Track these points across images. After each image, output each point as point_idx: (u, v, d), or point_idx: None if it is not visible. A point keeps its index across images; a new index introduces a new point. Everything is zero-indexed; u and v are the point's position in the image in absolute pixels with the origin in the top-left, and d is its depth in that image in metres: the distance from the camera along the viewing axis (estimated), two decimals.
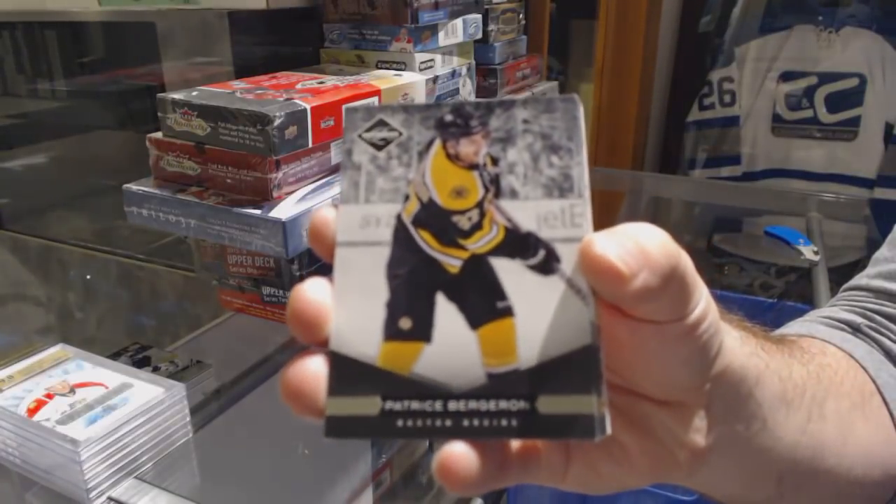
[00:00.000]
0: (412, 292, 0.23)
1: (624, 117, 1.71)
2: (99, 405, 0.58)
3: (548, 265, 0.23)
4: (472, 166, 0.24)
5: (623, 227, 0.22)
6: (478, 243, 0.23)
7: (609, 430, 0.21)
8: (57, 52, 1.09)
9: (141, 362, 0.69)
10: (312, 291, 0.23)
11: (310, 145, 0.65)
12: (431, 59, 0.87)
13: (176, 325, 0.98)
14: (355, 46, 0.87)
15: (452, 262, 0.23)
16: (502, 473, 0.23)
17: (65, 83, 1.11)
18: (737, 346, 0.27)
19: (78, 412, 0.57)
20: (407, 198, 0.24)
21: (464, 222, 0.23)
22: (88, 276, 1.11)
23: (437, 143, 0.24)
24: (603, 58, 1.67)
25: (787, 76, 1.80)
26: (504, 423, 0.21)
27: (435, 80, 0.88)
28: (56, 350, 0.66)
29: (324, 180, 0.69)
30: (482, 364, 0.22)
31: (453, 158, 0.24)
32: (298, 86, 0.70)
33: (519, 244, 0.23)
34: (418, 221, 0.24)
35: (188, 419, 0.61)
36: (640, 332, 0.23)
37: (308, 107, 0.63)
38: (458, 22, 0.91)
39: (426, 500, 0.68)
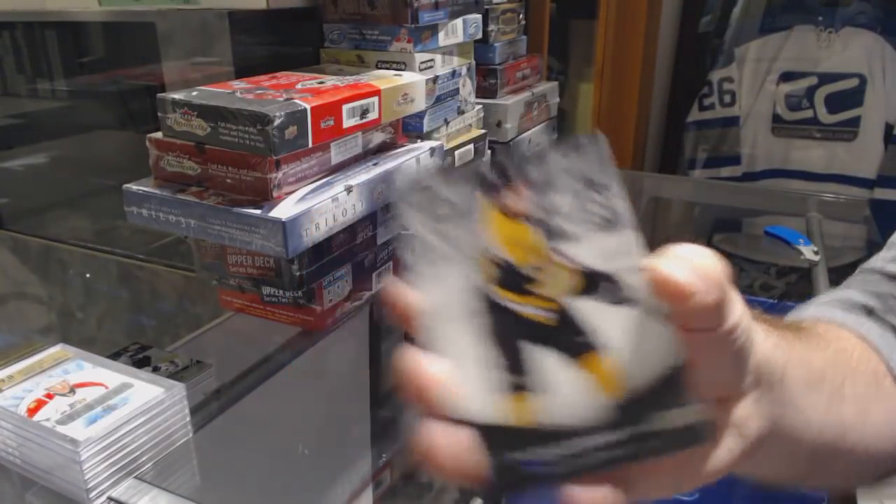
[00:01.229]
0: (512, 350, 0.24)
1: (624, 117, 1.70)
2: (99, 405, 0.58)
3: (623, 296, 0.24)
4: (526, 217, 0.25)
5: (676, 251, 0.25)
6: (554, 290, 0.25)
7: (713, 431, 0.24)
8: (57, 52, 1.09)
9: (141, 362, 0.69)
10: (429, 365, 0.24)
11: (310, 145, 0.65)
12: (431, 59, 0.87)
13: (176, 325, 0.98)
14: (355, 46, 0.87)
15: (539, 312, 0.25)
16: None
17: (65, 83, 1.11)
18: (762, 339, 0.29)
19: (78, 412, 0.57)
20: (476, 261, 0.25)
21: (535, 273, 0.25)
22: (88, 276, 1.11)
23: (488, 203, 0.25)
24: (603, 58, 1.66)
25: (787, 76, 1.80)
26: (625, 450, 0.24)
27: (435, 80, 0.88)
28: (56, 350, 0.66)
29: (324, 180, 0.69)
30: (595, 400, 0.24)
31: (507, 213, 0.25)
32: (298, 86, 0.70)
33: (592, 283, 0.25)
34: (494, 281, 0.25)
35: (188, 419, 0.61)
36: (691, 342, 0.25)
37: (308, 107, 0.63)
38: (458, 22, 0.91)
39: (426, 500, 0.68)
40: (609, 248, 0.25)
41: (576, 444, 0.24)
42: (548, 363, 0.24)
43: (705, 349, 0.26)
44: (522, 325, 0.24)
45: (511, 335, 0.24)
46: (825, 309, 0.46)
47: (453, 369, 0.24)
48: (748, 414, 0.29)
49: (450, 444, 0.23)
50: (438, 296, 0.25)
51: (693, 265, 0.24)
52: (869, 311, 0.44)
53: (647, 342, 0.24)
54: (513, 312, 0.25)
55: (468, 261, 0.25)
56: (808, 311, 0.46)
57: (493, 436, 0.24)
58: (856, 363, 0.39)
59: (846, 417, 0.36)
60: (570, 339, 0.24)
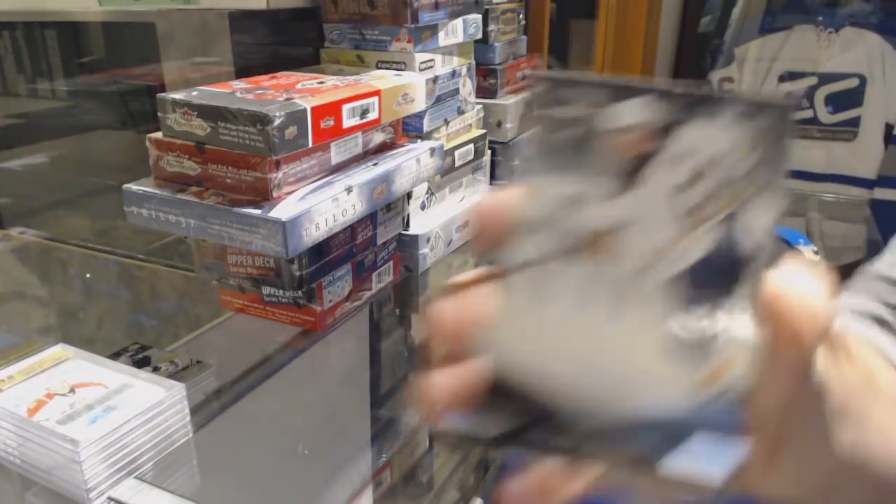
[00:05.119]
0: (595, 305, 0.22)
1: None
2: (99, 405, 0.58)
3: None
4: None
5: (810, 274, 0.21)
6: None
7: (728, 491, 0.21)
8: (57, 52, 1.09)
9: (141, 362, 0.69)
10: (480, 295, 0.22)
11: (310, 145, 0.65)
12: (431, 59, 0.87)
13: (176, 325, 0.98)
14: (355, 46, 0.87)
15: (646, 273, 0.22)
16: None
17: (65, 83, 1.11)
18: (820, 359, 0.26)
19: (78, 412, 0.57)
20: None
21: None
22: (88, 276, 1.11)
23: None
24: (603, 58, 1.66)
25: (787, 76, 1.80)
26: (625, 469, 0.21)
27: (435, 80, 0.88)
28: (56, 350, 0.66)
29: (324, 180, 0.69)
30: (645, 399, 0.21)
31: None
32: (298, 86, 0.70)
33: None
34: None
35: (188, 419, 0.61)
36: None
37: (308, 107, 0.63)
38: (458, 22, 0.91)
39: (426, 500, 0.68)
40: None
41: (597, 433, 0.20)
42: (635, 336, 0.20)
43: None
44: (605, 280, 0.20)
45: (589, 289, 0.20)
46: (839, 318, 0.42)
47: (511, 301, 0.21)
48: (778, 440, 0.25)
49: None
50: (543, 211, 0.20)
51: (823, 305, 0.20)
52: (882, 323, 0.41)
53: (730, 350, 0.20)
54: (600, 264, 0.20)
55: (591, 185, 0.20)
56: None
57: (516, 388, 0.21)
58: (881, 383, 0.34)
59: (871, 444, 0.32)
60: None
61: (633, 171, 0.20)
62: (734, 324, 0.20)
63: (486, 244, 0.21)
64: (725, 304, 0.20)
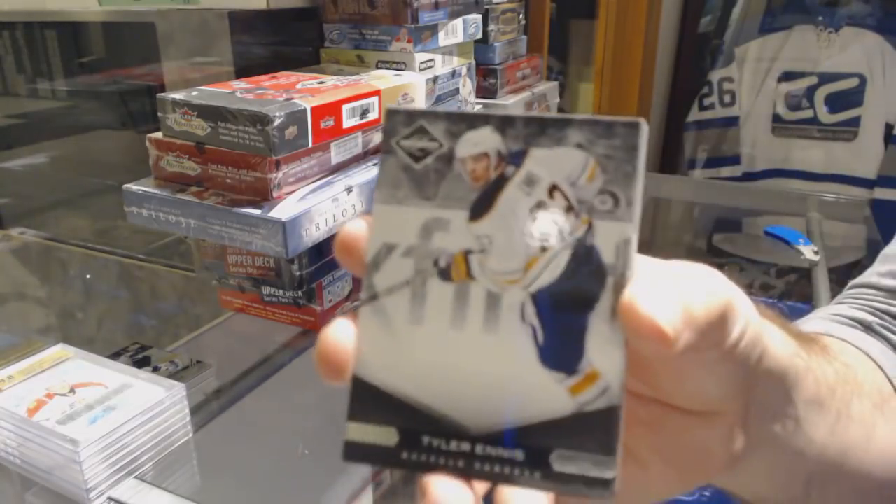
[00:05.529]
0: (449, 326, 0.23)
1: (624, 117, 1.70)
2: (99, 405, 0.58)
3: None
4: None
5: (668, 281, 0.21)
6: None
7: (617, 488, 0.21)
8: (57, 52, 1.09)
9: (141, 362, 0.69)
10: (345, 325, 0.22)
11: (310, 145, 0.65)
12: (431, 59, 0.87)
13: (176, 325, 0.98)
14: (355, 46, 0.87)
15: (493, 289, 0.23)
16: None
17: (65, 83, 1.11)
18: (780, 346, 0.26)
19: (78, 412, 0.57)
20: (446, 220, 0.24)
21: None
22: (88, 276, 1.11)
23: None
24: (603, 58, 1.66)
25: (787, 76, 1.80)
26: (517, 472, 0.21)
27: (435, 80, 0.88)
28: (56, 350, 0.66)
29: (324, 180, 0.69)
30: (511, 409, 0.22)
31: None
32: (298, 86, 0.70)
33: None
34: (460, 251, 0.24)
35: (188, 419, 0.61)
36: (672, 358, 0.22)
37: (308, 107, 0.63)
38: (458, 22, 0.91)
39: None
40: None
41: (456, 443, 0.21)
42: (481, 350, 0.21)
43: (691, 365, 0.23)
44: (471, 299, 0.22)
45: (457, 308, 0.22)
46: (820, 324, 0.42)
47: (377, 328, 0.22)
48: (733, 434, 0.26)
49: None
50: (390, 238, 0.22)
51: (683, 306, 0.20)
52: (866, 327, 0.41)
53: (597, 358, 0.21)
54: (465, 285, 0.22)
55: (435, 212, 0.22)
56: (805, 327, 0.42)
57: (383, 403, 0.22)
58: (861, 380, 0.35)
59: (851, 438, 0.32)
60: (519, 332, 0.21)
61: (490, 194, 0.22)
62: (598, 333, 0.21)
63: (354, 271, 0.23)
64: (589, 315, 0.21)
